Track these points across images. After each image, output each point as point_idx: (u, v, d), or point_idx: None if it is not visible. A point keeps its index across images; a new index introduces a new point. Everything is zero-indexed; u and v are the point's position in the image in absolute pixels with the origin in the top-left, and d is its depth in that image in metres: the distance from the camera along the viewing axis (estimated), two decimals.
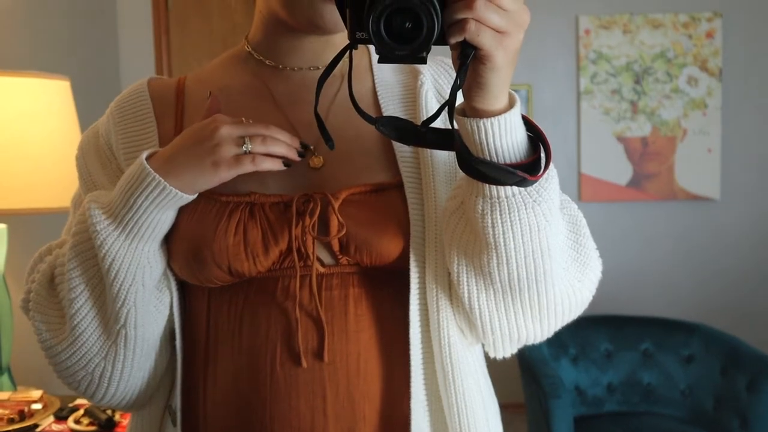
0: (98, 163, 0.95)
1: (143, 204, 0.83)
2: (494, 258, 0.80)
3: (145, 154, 0.84)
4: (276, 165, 0.85)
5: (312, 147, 0.90)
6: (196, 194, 0.85)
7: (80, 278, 0.87)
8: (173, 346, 0.93)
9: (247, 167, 0.83)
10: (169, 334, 0.94)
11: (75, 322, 0.87)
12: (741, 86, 4.00)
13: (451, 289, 0.87)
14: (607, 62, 4.01)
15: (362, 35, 0.73)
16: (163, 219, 0.85)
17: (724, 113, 4.00)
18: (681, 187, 4.03)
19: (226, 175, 0.83)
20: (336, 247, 0.86)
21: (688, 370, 3.13)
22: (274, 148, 0.84)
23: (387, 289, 0.89)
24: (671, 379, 3.14)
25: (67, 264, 0.87)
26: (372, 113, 0.93)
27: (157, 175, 0.82)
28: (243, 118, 0.86)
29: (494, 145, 0.74)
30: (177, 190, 0.82)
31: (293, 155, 0.86)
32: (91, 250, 0.86)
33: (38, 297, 0.91)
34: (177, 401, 0.91)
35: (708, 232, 4.06)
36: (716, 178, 4.02)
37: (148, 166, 0.83)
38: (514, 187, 0.76)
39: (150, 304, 0.88)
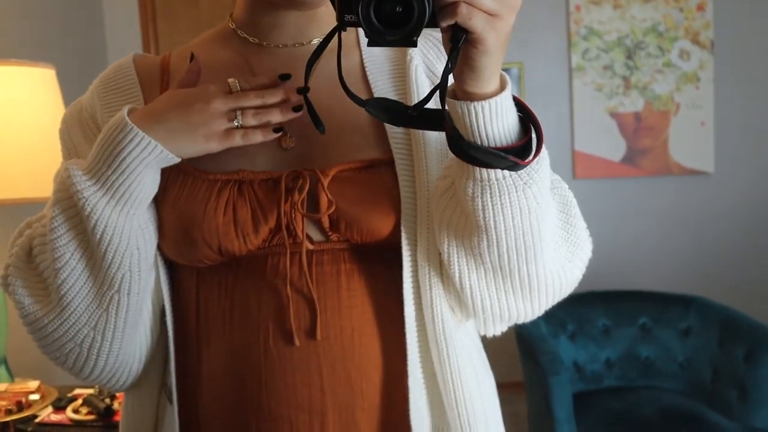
0: (82, 135, 0.94)
1: (131, 164, 0.81)
2: (484, 240, 0.80)
3: (126, 110, 0.83)
4: (267, 135, 0.85)
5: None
6: (180, 159, 0.84)
7: (66, 246, 0.83)
8: (163, 323, 0.93)
9: (237, 141, 0.84)
10: (159, 311, 0.93)
11: (63, 291, 0.84)
12: (733, 58, 3.99)
13: (442, 267, 0.87)
14: (599, 38, 3.99)
15: (351, 18, 0.72)
16: (147, 180, 0.83)
17: (716, 86, 4.00)
18: (675, 162, 4.02)
19: (216, 147, 0.83)
20: (326, 224, 0.86)
21: (686, 342, 3.14)
22: (266, 118, 0.85)
23: (379, 266, 0.89)
24: (669, 353, 3.15)
25: (50, 233, 0.84)
26: (360, 89, 0.93)
27: (141, 131, 0.80)
28: (233, 81, 0.86)
29: (485, 128, 0.74)
30: (162, 147, 0.81)
31: (288, 115, 0.86)
32: (76, 217, 0.83)
33: (17, 271, 0.89)
34: (172, 379, 0.90)
35: (703, 206, 4.06)
36: (710, 151, 4.02)
37: (131, 122, 0.81)
38: (505, 170, 0.76)
39: (145, 270, 0.86)
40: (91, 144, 0.92)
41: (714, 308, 3.11)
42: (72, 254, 0.84)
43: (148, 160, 0.82)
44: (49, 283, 0.86)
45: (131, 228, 0.83)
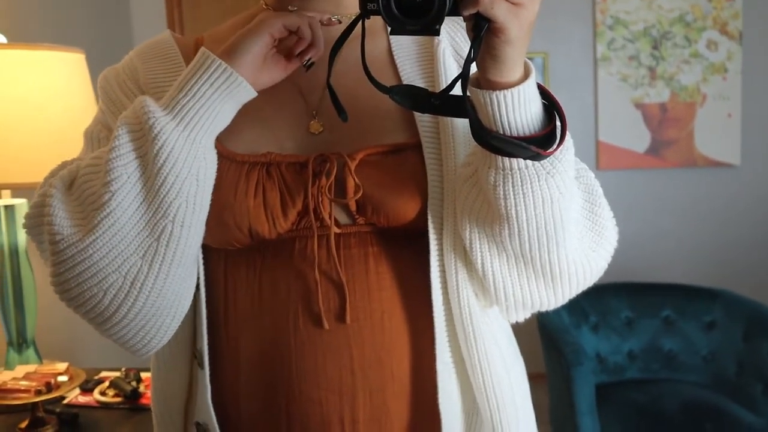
0: (121, 93, 0.95)
1: (207, 91, 0.81)
2: (506, 228, 0.80)
3: (204, 48, 0.84)
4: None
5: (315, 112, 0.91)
6: (254, 92, 0.85)
7: (124, 167, 0.80)
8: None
9: (300, 20, 0.86)
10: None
11: (114, 215, 0.80)
12: (762, 49, 3.94)
13: (466, 252, 0.87)
14: (625, 28, 3.96)
15: (373, 6, 0.72)
16: (222, 111, 0.83)
17: (744, 77, 3.95)
18: (701, 154, 3.99)
19: (271, 19, 0.84)
20: (353, 207, 0.86)
21: (710, 336, 3.12)
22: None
23: (406, 249, 0.89)
24: (693, 346, 3.14)
25: (111, 152, 0.81)
26: (388, 74, 0.94)
27: (222, 61, 0.82)
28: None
29: (507, 117, 0.74)
30: (238, 75, 0.82)
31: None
32: (141, 139, 0.81)
33: (59, 194, 0.84)
34: (204, 342, 0.90)
35: (728, 198, 4.02)
36: (736, 143, 3.97)
37: (213, 54, 0.83)
38: (528, 160, 0.76)
39: (199, 206, 0.83)
40: (130, 101, 0.92)
41: (740, 302, 3.09)
42: (129, 176, 0.80)
43: (224, 88, 0.82)
44: (92, 208, 0.81)
45: (195, 156, 0.81)
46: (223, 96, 0.82)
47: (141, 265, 0.82)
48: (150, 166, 0.80)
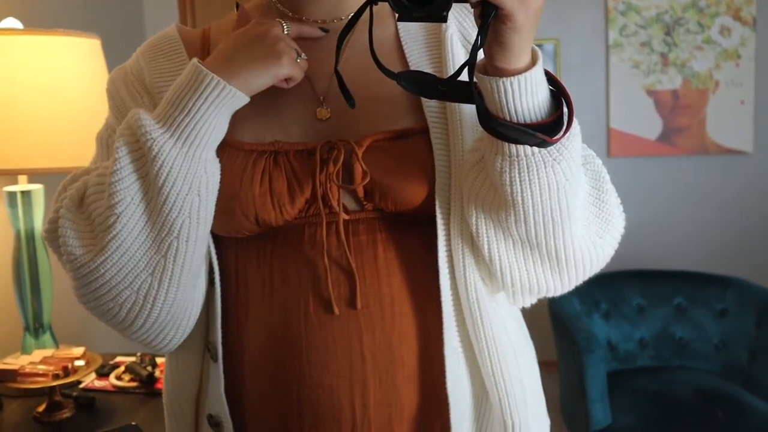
0: (128, 96, 0.95)
1: (202, 107, 0.82)
2: (512, 214, 0.81)
3: (195, 60, 0.85)
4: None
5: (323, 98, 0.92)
6: (248, 99, 0.85)
7: (127, 190, 0.82)
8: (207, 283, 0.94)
9: (300, 74, 0.88)
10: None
11: (121, 237, 0.82)
12: None
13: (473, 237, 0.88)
14: (637, 14, 3.93)
15: None
16: (219, 124, 0.84)
17: (758, 64, 3.92)
18: (713, 141, 3.97)
19: (287, 66, 0.86)
20: (360, 193, 0.87)
21: (722, 323, 3.12)
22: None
23: (414, 235, 0.90)
24: (705, 333, 3.13)
25: (112, 176, 0.82)
26: (395, 60, 0.94)
27: (216, 76, 0.82)
28: (282, 22, 0.92)
29: (514, 104, 0.74)
30: (236, 89, 0.83)
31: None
32: (141, 159, 0.82)
33: (68, 217, 0.87)
34: (218, 335, 0.91)
35: (741, 186, 4.01)
36: (749, 130, 3.95)
37: (206, 69, 0.83)
38: (534, 146, 0.76)
39: (203, 219, 0.85)
40: (137, 104, 0.93)
41: (752, 289, 3.08)
42: (132, 198, 0.82)
43: (222, 104, 0.83)
44: (100, 229, 0.84)
45: (195, 173, 0.82)
46: (220, 110, 0.83)
47: (151, 281, 0.85)
48: (152, 186, 0.82)
